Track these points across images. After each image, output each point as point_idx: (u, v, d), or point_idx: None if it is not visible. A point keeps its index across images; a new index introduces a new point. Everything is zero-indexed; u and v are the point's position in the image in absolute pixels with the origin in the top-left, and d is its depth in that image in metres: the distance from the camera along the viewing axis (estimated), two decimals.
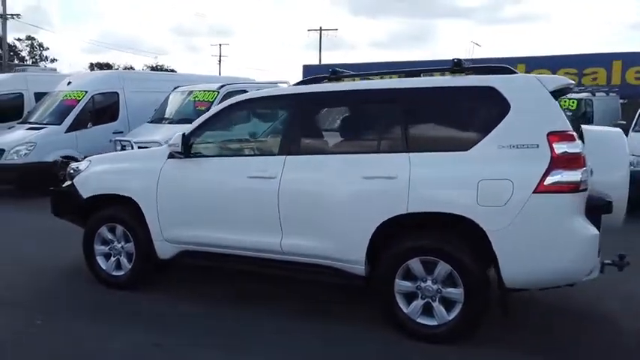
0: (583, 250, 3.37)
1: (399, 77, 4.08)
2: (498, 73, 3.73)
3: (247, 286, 4.77)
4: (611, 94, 10.91)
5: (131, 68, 47.52)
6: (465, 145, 3.57)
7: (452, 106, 3.79)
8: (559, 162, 3.33)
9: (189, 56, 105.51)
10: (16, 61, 49.93)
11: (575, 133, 3.43)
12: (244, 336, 3.81)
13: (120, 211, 4.65)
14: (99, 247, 4.77)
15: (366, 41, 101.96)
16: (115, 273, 4.73)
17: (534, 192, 3.33)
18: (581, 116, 9.04)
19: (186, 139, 4.23)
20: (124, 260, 4.69)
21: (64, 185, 4.98)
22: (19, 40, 56.19)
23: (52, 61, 57.30)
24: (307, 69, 15.71)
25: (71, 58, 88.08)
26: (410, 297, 3.73)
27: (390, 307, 3.75)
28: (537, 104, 3.50)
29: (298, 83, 4.38)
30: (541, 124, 3.43)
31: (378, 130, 3.97)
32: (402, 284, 3.72)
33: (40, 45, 57.66)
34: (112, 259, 4.74)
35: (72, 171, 4.94)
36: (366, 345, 3.67)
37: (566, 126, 3.44)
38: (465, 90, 3.72)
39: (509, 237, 3.39)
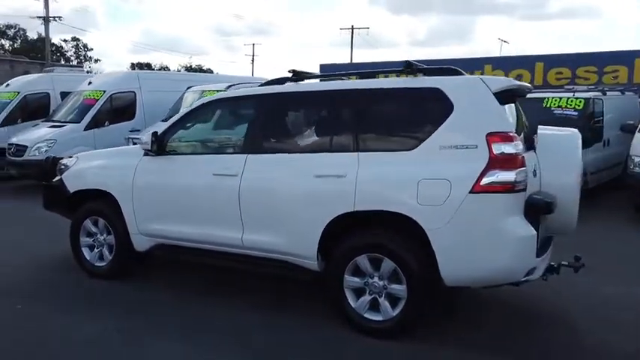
0: (517, 250, 3.40)
1: (355, 79, 4.19)
2: (447, 75, 3.79)
3: (224, 278, 4.96)
4: (627, 92, 10.55)
5: (166, 68, 48.94)
6: (410, 145, 3.66)
7: (400, 107, 3.88)
8: (496, 162, 3.38)
9: (227, 56, 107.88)
10: (62, 61, 52.51)
11: (515, 134, 3.46)
12: (205, 328, 3.97)
13: (101, 205, 4.94)
14: (84, 239, 5.08)
15: (406, 39, 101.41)
16: (97, 264, 5.03)
17: (470, 192, 3.39)
18: (588, 116, 8.81)
19: (157, 137, 4.47)
20: (105, 252, 4.99)
21: (54, 180, 5.32)
22: (65, 41, 59.03)
23: (96, 61, 59.98)
24: (324, 68, 15.82)
25: (115, 59, 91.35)
26: (359, 292, 3.84)
27: (340, 301, 3.87)
28: (480, 105, 3.55)
29: (263, 84, 4.55)
30: (481, 124, 3.48)
31: (330, 129, 4.09)
32: (351, 280, 3.83)
33: (85, 46, 60.40)
34: (96, 250, 5.05)
35: (62, 167, 5.27)
36: (310, 340, 3.79)
37: (507, 127, 3.48)
38: (412, 91, 3.80)
39: (447, 236, 3.46)
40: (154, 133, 4.47)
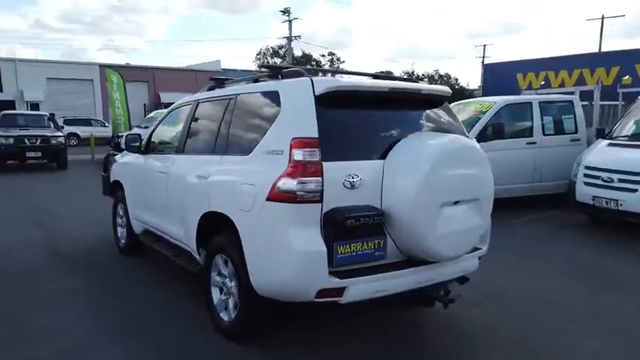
0: (298, 266, 3.08)
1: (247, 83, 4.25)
2: (292, 77, 3.56)
3: None
4: None
5: (389, 73, 51.11)
6: (248, 150, 3.63)
7: (252, 110, 3.82)
8: (291, 170, 3.14)
9: (473, 60, 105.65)
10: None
11: (312, 140, 3.12)
12: (128, 299, 4.66)
13: (121, 193, 6.06)
14: (117, 220, 6.32)
15: None
16: (122, 241, 6.20)
17: (267, 199, 3.23)
18: None
19: (126, 139, 5.36)
20: (124, 232, 6.12)
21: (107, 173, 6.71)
22: (322, 56, 67.38)
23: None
24: (487, 68, 14.54)
25: (367, 69, 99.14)
26: (221, 291, 3.96)
27: (207, 297, 4.05)
28: (299, 109, 3.32)
29: (202, 90, 4.95)
30: (292, 129, 3.25)
31: (210, 133, 4.25)
32: (214, 278, 3.98)
33: (338, 59, 67.80)
34: (121, 229, 6.23)
35: (113, 162, 6.61)
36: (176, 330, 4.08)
37: (311, 132, 3.16)
38: (260, 95, 3.73)
39: (251, 243, 3.38)
40: (126, 136, 5.38)
